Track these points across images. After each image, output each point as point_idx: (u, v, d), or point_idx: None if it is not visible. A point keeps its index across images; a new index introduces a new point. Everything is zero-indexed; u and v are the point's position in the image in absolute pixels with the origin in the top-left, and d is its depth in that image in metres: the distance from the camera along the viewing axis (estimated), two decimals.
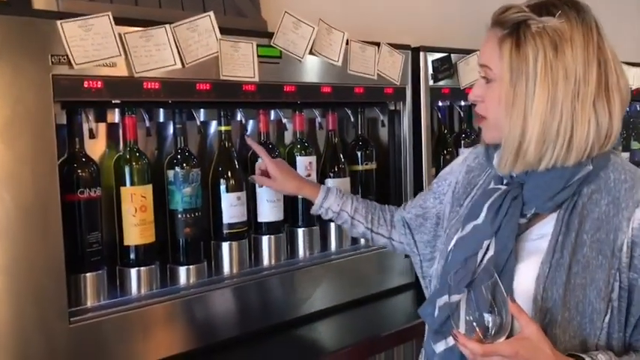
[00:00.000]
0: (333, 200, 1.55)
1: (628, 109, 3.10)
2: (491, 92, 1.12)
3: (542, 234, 1.12)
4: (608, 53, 1.09)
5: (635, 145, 3.13)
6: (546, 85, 1.05)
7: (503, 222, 1.11)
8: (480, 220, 1.14)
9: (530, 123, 1.06)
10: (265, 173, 1.64)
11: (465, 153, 1.41)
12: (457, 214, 1.28)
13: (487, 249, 1.10)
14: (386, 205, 1.60)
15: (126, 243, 1.51)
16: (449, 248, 1.20)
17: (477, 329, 0.99)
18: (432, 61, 2.10)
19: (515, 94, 1.07)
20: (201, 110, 1.73)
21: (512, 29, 1.08)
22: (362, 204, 1.57)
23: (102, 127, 1.59)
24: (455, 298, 1.04)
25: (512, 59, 1.07)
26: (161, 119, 1.67)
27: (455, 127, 2.45)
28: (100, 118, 1.56)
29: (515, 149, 1.09)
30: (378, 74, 1.90)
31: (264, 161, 1.63)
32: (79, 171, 1.42)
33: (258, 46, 1.61)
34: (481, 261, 1.10)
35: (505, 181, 1.17)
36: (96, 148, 1.57)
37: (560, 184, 1.09)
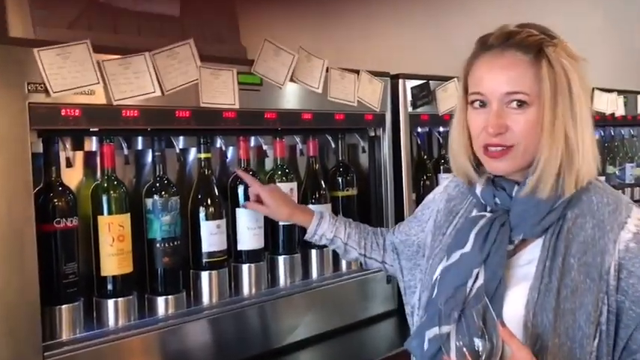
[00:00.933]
0: (327, 227, 1.54)
1: (602, 133, 3.17)
2: (526, 118, 1.08)
3: (529, 259, 1.11)
4: None
5: (610, 169, 3.18)
6: (586, 100, 1.09)
7: (492, 249, 1.10)
8: (467, 248, 1.12)
9: (573, 141, 1.08)
10: (259, 200, 1.62)
11: (445, 181, 1.41)
12: (440, 242, 1.27)
13: (476, 277, 1.09)
14: (378, 229, 1.59)
15: (103, 273, 1.47)
16: (434, 278, 1.18)
17: (468, 355, 0.98)
18: (411, 88, 2.12)
19: (555, 116, 1.07)
20: (181, 138, 1.72)
21: (538, 51, 1.08)
22: (355, 229, 1.56)
23: (79, 155, 1.57)
24: (445, 329, 1.03)
25: (551, 80, 1.07)
26: (140, 147, 1.65)
27: (434, 153, 2.47)
28: (78, 146, 1.54)
29: (557, 171, 1.08)
30: (358, 101, 1.91)
31: (255, 189, 1.62)
32: (55, 200, 1.39)
33: (238, 73, 1.61)
34: (470, 290, 1.09)
35: (489, 208, 1.17)
36: (73, 176, 1.54)
37: (546, 208, 1.09)
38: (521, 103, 1.09)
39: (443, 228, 1.29)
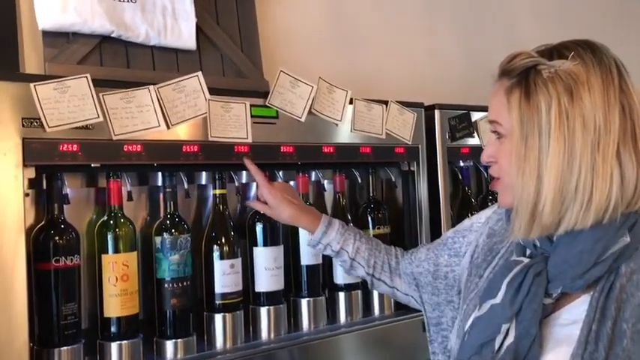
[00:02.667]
0: (334, 236, 1.38)
1: None
2: (502, 149, 1.00)
3: (573, 319, 0.95)
4: (633, 96, 0.95)
5: None
6: (562, 136, 0.91)
7: (524, 302, 0.94)
8: (498, 299, 0.97)
9: (545, 180, 0.92)
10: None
11: (488, 210, 1.25)
12: (476, 286, 1.12)
13: (506, 334, 0.94)
14: (392, 248, 1.43)
15: (106, 314, 1.42)
16: (465, 328, 1.04)
17: None
18: (449, 119, 1.99)
19: (528, 149, 0.94)
20: (203, 173, 1.67)
21: (520, 77, 0.96)
22: (365, 244, 1.39)
23: (92, 192, 1.54)
24: None
25: (522, 110, 0.94)
26: (158, 183, 1.61)
27: (482, 189, 2.30)
28: (89, 182, 1.51)
29: (530, 211, 0.94)
30: (387, 133, 1.79)
31: (259, 183, 1.48)
32: (56, 238, 1.35)
33: (252, 106, 1.54)
34: (499, 348, 0.94)
35: (528, 252, 1.02)
36: (82, 213, 1.51)
37: (591, 259, 0.92)
38: (498, 134, 0.99)
39: (480, 269, 1.14)
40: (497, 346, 0.93)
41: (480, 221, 1.24)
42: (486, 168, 2.20)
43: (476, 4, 2.58)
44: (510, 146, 0.96)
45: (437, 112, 1.96)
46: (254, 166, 1.49)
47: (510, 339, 0.93)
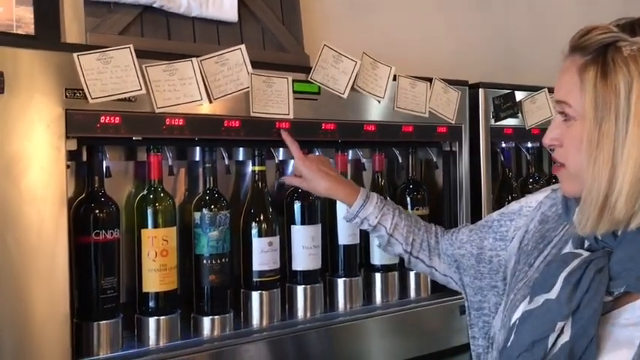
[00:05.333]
0: (372, 210, 1.33)
1: None
2: (570, 134, 0.92)
3: (635, 320, 0.88)
4: None
5: None
6: None
7: (583, 300, 0.87)
8: (553, 294, 0.90)
9: (620, 171, 0.85)
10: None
11: (540, 194, 1.17)
12: (525, 275, 1.06)
13: (561, 332, 0.88)
14: (432, 226, 1.37)
15: (144, 289, 1.41)
16: (513, 320, 0.98)
17: None
18: (493, 99, 1.92)
19: (602, 135, 0.86)
20: (240, 149, 1.65)
21: (596, 54, 0.88)
22: (404, 220, 1.34)
23: (130, 165, 1.52)
24: None
25: (598, 91, 0.86)
26: (196, 158, 1.59)
27: (522, 171, 2.24)
28: (130, 155, 1.49)
29: (600, 204, 0.86)
30: (430, 112, 1.74)
31: (294, 155, 1.44)
32: (96, 211, 1.34)
33: (294, 81, 1.50)
34: (552, 346, 0.88)
35: (587, 244, 0.95)
36: (121, 186, 1.49)
37: None
38: (566, 115, 0.91)
39: (530, 257, 1.07)
40: (550, 344, 0.88)
41: (530, 205, 1.17)
42: (528, 150, 2.14)
43: None
44: (581, 130, 0.89)
45: (481, 91, 1.89)
46: (290, 138, 1.46)
47: (565, 337, 0.87)
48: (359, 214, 1.35)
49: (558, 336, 0.88)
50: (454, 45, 2.23)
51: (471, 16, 2.32)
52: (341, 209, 1.62)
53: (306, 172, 1.40)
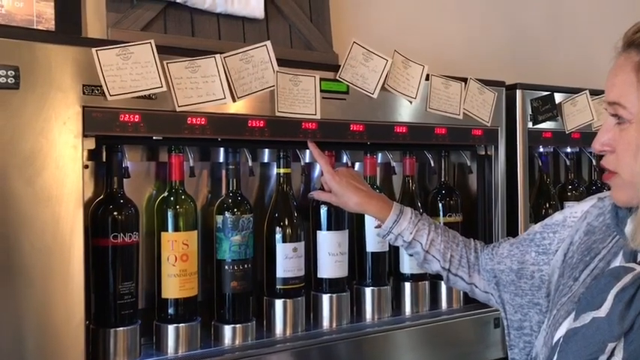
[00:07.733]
0: (406, 226, 1.26)
1: None
2: (624, 138, 0.85)
3: None
4: None
5: None
6: None
7: (637, 320, 0.80)
8: (602, 312, 0.83)
9: None
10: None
11: (586, 203, 1.09)
12: (569, 290, 0.98)
13: (611, 354, 0.81)
14: (471, 241, 1.30)
15: (164, 295, 1.35)
16: (555, 338, 0.91)
17: None
18: (531, 101, 1.83)
19: None
20: (266, 150, 1.59)
21: None
22: (441, 236, 1.27)
23: (152, 166, 1.47)
24: None
25: None
26: (220, 159, 1.53)
27: (560, 177, 2.14)
28: (149, 155, 1.44)
29: None
30: (464, 114, 1.66)
31: (323, 168, 1.38)
32: (115, 213, 1.29)
33: (321, 79, 1.44)
34: None
35: (639, 259, 0.87)
36: (141, 188, 1.44)
37: None
38: (620, 118, 0.84)
39: (576, 270, 0.99)
40: None
41: (575, 216, 1.08)
42: (567, 155, 2.04)
43: None
44: (636, 134, 0.82)
45: (518, 92, 1.81)
46: (317, 150, 1.40)
47: None
48: (392, 230, 1.28)
49: (608, 358, 0.80)
50: (485, 45, 2.15)
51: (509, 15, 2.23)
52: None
53: (335, 187, 1.35)
